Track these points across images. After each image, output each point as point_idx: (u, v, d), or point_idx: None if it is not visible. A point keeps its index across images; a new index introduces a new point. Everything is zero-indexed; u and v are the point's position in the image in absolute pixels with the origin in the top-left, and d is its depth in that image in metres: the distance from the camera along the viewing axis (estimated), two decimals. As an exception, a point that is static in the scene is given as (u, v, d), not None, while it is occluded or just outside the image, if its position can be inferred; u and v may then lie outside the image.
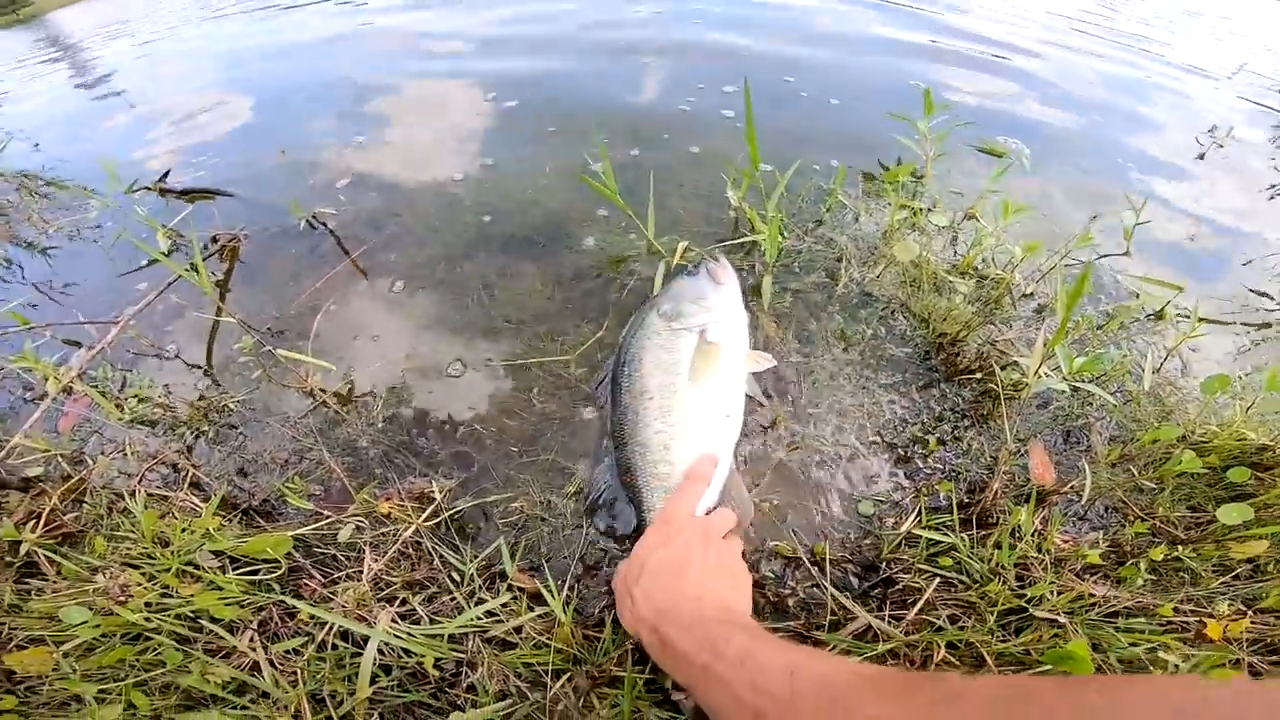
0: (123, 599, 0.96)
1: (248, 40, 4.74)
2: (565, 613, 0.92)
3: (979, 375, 1.30)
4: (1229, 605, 0.95)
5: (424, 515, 1.08)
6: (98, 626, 0.92)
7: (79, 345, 1.52)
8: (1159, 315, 1.54)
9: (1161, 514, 1.10)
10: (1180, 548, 1.04)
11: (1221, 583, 0.99)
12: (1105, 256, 1.73)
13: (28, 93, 4.90)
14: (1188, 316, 1.46)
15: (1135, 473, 1.15)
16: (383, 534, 1.07)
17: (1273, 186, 2.38)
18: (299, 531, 1.08)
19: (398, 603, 0.98)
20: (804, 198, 1.77)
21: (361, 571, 1.01)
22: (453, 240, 1.67)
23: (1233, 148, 2.66)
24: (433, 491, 1.13)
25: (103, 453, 1.29)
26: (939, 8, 4.27)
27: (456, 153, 2.09)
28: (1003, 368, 1.28)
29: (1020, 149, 2.23)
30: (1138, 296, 1.58)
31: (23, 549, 1.07)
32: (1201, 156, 2.56)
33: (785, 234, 1.60)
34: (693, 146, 2.01)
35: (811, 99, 2.46)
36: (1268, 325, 1.60)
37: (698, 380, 1.13)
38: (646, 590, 0.84)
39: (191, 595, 0.96)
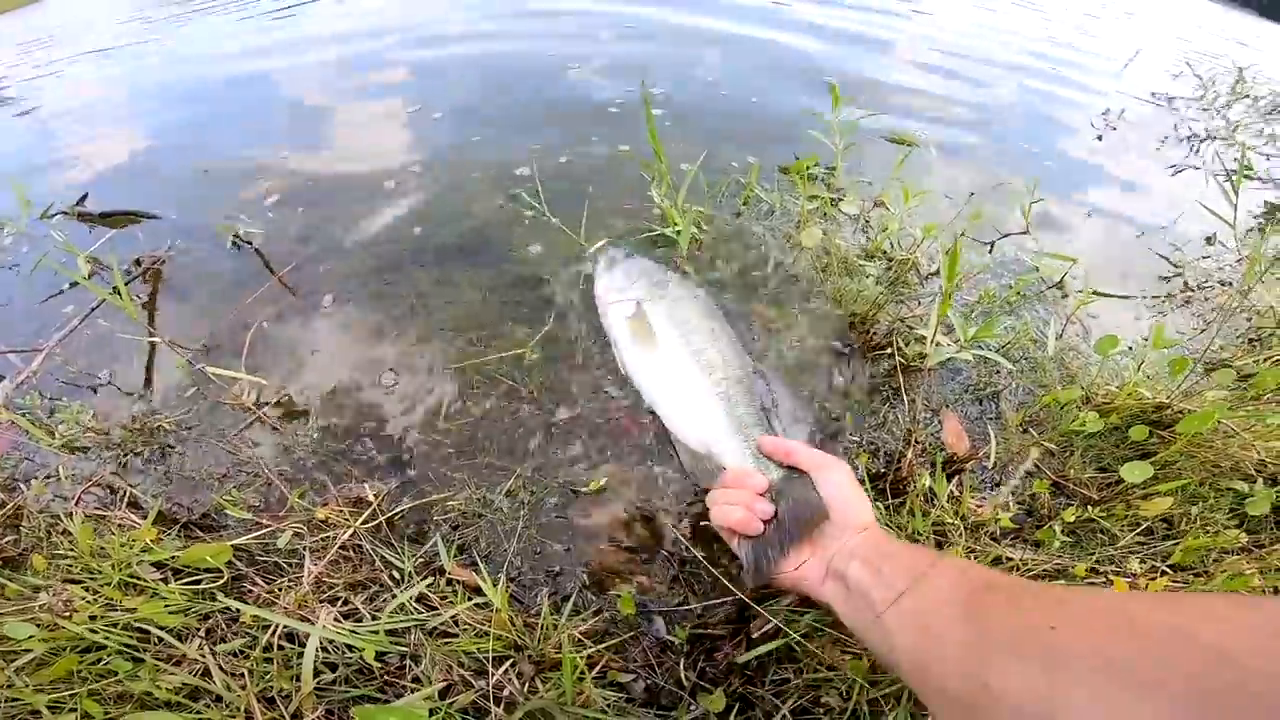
0: (67, 613, 0.98)
1: (169, 55, 4.67)
2: (503, 601, 0.97)
3: (889, 350, 1.40)
4: (1141, 564, 1.04)
5: (361, 519, 1.13)
6: (44, 641, 0.94)
7: (2, 377, 1.51)
8: (1059, 286, 1.69)
9: (1073, 475, 1.20)
10: (1092, 508, 1.13)
11: (1136, 541, 1.08)
12: (1007, 235, 1.88)
13: None
14: (1082, 290, 1.60)
15: (1036, 435, 1.26)
16: (322, 539, 1.11)
17: (1163, 165, 2.63)
18: (239, 541, 1.11)
19: (340, 603, 1.02)
20: (723, 193, 1.85)
21: (302, 576, 1.05)
22: (383, 253, 1.71)
23: (1125, 130, 2.92)
24: (368, 496, 1.17)
25: (35, 478, 1.30)
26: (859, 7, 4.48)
27: (385, 163, 2.11)
28: (907, 343, 1.38)
29: (929, 138, 2.38)
30: (1037, 269, 1.72)
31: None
32: (1100, 138, 2.80)
33: (704, 227, 1.68)
34: (621, 145, 2.09)
35: (731, 96, 2.60)
36: (1158, 296, 1.77)
37: (651, 347, 1.21)
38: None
39: (135, 607, 0.99)
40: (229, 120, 2.78)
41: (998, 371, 1.40)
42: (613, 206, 1.79)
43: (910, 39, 3.88)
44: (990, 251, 1.81)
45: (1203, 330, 1.65)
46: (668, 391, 1.19)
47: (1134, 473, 1.07)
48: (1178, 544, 1.06)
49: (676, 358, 1.20)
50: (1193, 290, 1.81)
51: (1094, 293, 1.60)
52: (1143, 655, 0.44)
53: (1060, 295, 1.69)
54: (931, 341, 1.20)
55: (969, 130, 2.61)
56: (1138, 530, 1.10)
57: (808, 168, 1.85)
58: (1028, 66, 3.74)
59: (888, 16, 4.17)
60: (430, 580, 1.05)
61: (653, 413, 1.22)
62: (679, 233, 1.52)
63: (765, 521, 0.91)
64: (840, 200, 1.86)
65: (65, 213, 2.09)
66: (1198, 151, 2.82)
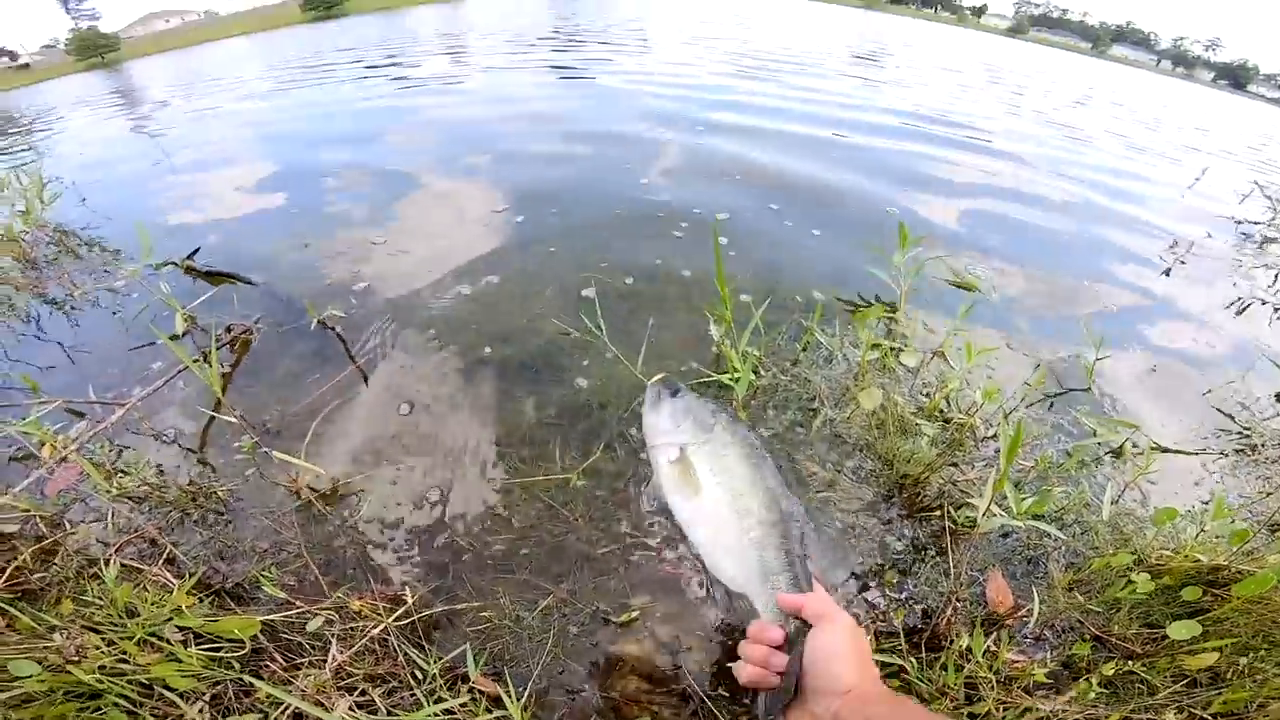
0: (77, 659, 0.97)
1: (298, 114, 5.35)
2: (523, 717, 0.93)
3: (939, 513, 1.38)
4: (1178, 714, 0.99)
5: (394, 615, 1.11)
6: (43, 681, 0.92)
7: (82, 416, 1.58)
8: (1118, 452, 1.65)
9: (1117, 631, 1.17)
10: (1133, 662, 1.10)
11: (1172, 693, 1.03)
12: (1068, 392, 1.85)
13: (89, 141, 5.29)
14: (1143, 451, 1.58)
15: (1082, 599, 1.23)
16: (351, 629, 1.09)
17: (1236, 302, 2.58)
18: (269, 617, 1.10)
19: (357, 693, 0.99)
20: (783, 335, 1.89)
21: (325, 660, 1.02)
22: (454, 361, 1.78)
23: (1194, 263, 2.90)
24: (405, 595, 1.16)
25: (84, 520, 1.32)
26: (922, 118, 4.74)
27: (466, 267, 2.26)
28: (957, 508, 1.37)
29: (990, 280, 2.41)
30: (1096, 434, 1.66)
31: (-22, 601, 1.08)
32: (1167, 273, 2.77)
33: (762, 372, 1.71)
34: (684, 270, 2.20)
35: (796, 228, 2.70)
36: (1224, 454, 1.71)
37: (691, 492, 1.19)
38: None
39: (149, 664, 0.97)
40: (339, 196, 3.06)
41: (1047, 535, 1.36)
42: (675, 338, 1.88)
43: (972, 168, 4.03)
44: (1050, 407, 1.79)
45: (1269, 494, 1.59)
46: (705, 535, 1.18)
47: (1180, 630, 1.05)
48: (1219, 694, 1.02)
49: (714, 504, 1.19)
50: (1259, 451, 1.75)
51: (1154, 447, 1.59)
52: None
53: (1118, 459, 1.65)
54: (984, 514, 1.18)
55: (1034, 266, 2.63)
56: (1181, 682, 1.06)
57: (874, 319, 1.84)
58: (1093, 203, 3.80)
59: (949, 148, 4.36)
60: (452, 684, 1.01)
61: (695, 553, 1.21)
62: (737, 380, 1.54)
63: (780, 674, 0.91)
64: (901, 351, 1.85)
65: (175, 264, 2.26)
66: (1272, 287, 2.79)
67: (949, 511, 1.37)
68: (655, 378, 1.57)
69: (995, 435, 1.63)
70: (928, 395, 1.75)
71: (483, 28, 13.57)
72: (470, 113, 4.77)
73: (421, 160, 3.53)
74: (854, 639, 0.90)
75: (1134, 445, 1.67)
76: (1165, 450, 1.68)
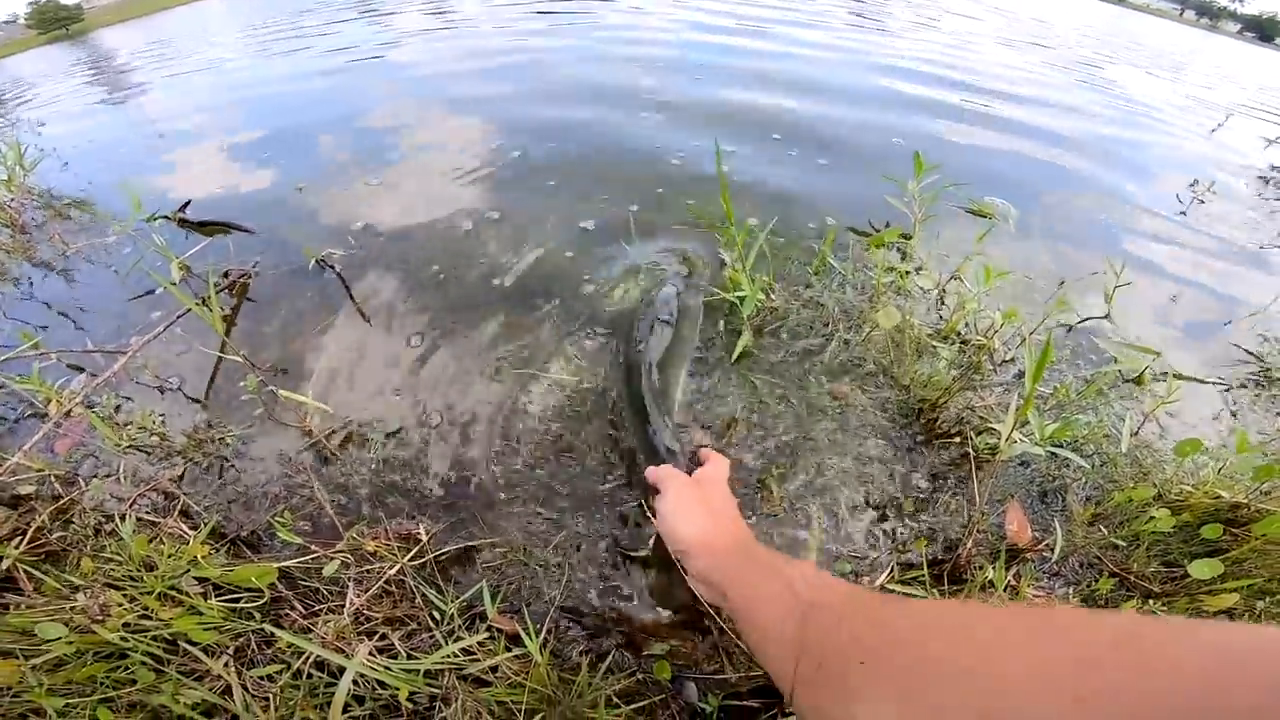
0: (101, 618, 0.97)
1: (278, 68, 5.21)
2: (542, 654, 0.93)
3: (958, 439, 1.35)
4: None
5: (409, 555, 1.10)
6: (71, 643, 0.93)
7: (83, 370, 1.56)
8: (1138, 380, 1.60)
9: (1136, 569, 1.14)
10: (1153, 601, 1.08)
11: None
12: (1087, 320, 1.79)
13: (64, 111, 5.22)
14: (1164, 379, 1.53)
15: (1106, 531, 1.20)
16: (367, 571, 1.09)
17: (1257, 240, 2.51)
18: (285, 564, 1.10)
19: (376, 637, 0.99)
20: (794, 260, 1.83)
21: (344, 605, 1.02)
22: (458, 293, 1.74)
23: (1213, 203, 2.81)
24: (419, 533, 1.15)
25: (96, 476, 1.31)
26: (939, 62, 4.53)
27: (465, 201, 2.20)
28: (978, 433, 1.33)
29: (1007, 209, 2.33)
30: (1117, 361, 1.63)
31: (3, 564, 1.08)
32: (1184, 213, 2.68)
33: (772, 294, 1.65)
34: (688, 200, 2.12)
35: (804, 156, 2.62)
36: (1243, 386, 1.67)
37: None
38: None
39: (170, 618, 0.97)
40: (328, 140, 2.98)
41: (1067, 465, 1.33)
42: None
43: (982, 107, 3.89)
44: (1068, 333, 1.74)
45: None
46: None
47: (1203, 569, 1.02)
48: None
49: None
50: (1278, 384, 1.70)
51: (1176, 376, 1.52)
52: (932, 695, 0.48)
53: (1136, 387, 1.60)
54: (1006, 439, 1.15)
55: (1049, 198, 2.56)
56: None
57: (888, 242, 1.81)
58: (1113, 135, 3.71)
59: (970, 92, 4.16)
60: (471, 623, 1.01)
61: None
62: (743, 299, 1.49)
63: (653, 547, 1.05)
64: (918, 273, 1.80)
65: (168, 217, 2.23)
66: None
67: (970, 438, 1.32)
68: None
69: (1014, 359, 1.57)
70: (944, 318, 1.68)
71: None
72: (458, 58, 4.56)
73: (411, 106, 3.38)
74: (689, 497, 0.96)
75: (1154, 373, 1.61)
76: (1185, 379, 1.61)
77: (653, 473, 1.05)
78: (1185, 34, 28.00)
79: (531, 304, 1.67)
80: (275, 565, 1.07)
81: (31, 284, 2.04)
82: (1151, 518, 1.14)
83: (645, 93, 3.34)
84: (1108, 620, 0.46)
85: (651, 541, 1.01)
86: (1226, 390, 1.65)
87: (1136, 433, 1.43)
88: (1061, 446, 1.16)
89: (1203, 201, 2.83)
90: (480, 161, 2.52)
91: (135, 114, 4.50)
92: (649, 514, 1.05)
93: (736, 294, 1.50)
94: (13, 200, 2.60)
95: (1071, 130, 3.61)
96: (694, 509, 0.94)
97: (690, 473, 1.04)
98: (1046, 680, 0.41)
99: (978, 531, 1.16)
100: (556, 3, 6.87)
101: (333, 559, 1.10)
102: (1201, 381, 1.65)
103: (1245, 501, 1.16)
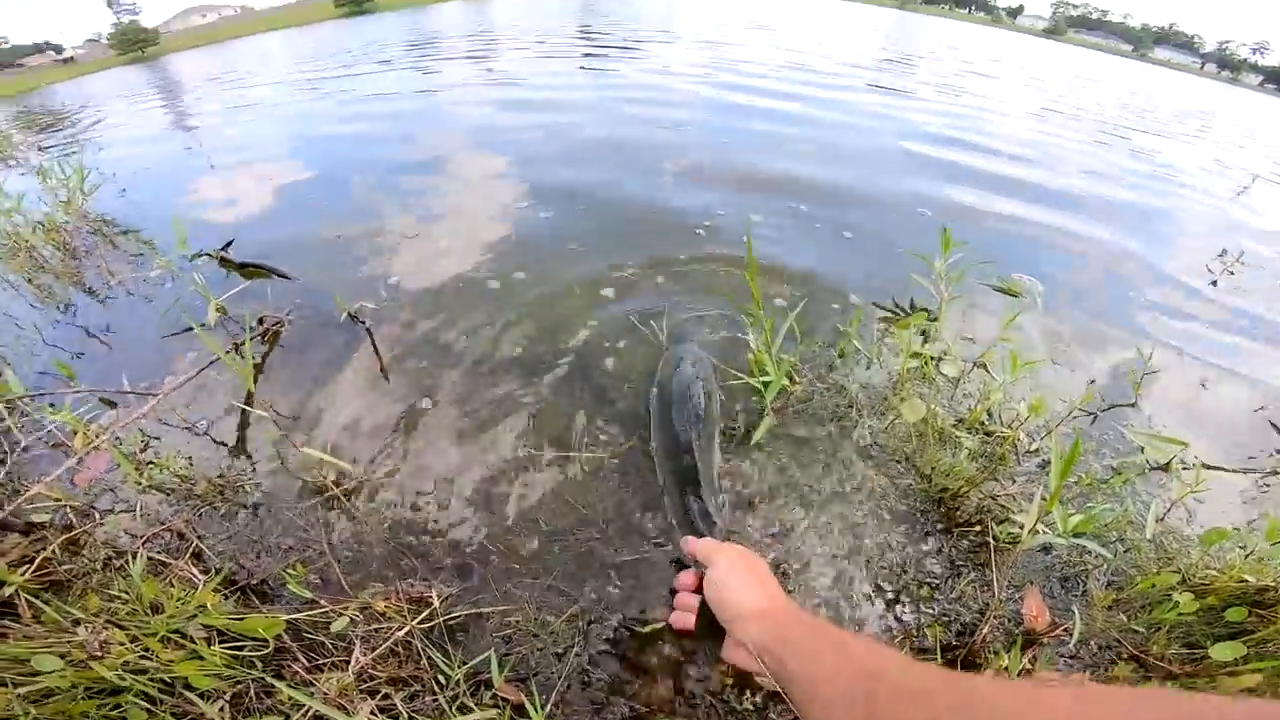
0: (100, 654, 0.96)
1: (326, 107, 5.52)
2: (548, 728, 0.90)
3: (978, 528, 1.33)
4: None
5: (419, 618, 1.09)
6: (65, 676, 0.91)
7: (115, 405, 1.58)
8: (1164, 467, 1.57)
9: (1155, 651, 1.12)
10: (1172, 682, 1.06)
11: None
12: (1113, 407, 1.77)
13: (129, 135, 5.49)
14: (1191, 468, 1.51)
15: (1126, 618, 1.17)
16: (375, 629, 1.07)
17: None
18: (293, 616, 1.08)
19: (379, 697, 0.97)
20: (819, 340, 1.84)
21: (349, 662, 1.00)
22: (481, 356, 1.77)
23: (1243, 274, 2.78)
24: (431, 596, 1.14)
25: (113, 511, 1.32)
26: (967, 129, 4.64)
27: (495, 260, 2.27)
28: (999, 523, 1.31)
29: (1034, 286, 2.32)
30: (1143, 451, 1.60)
31: (6, 591, 1.08)
32: (1214, 283, 2.66)
33: (796, 378, 1.66)
34: (711, 266, 2.19)
35: (830, 229, 2.66)
36: (1276, 473, 1.63)
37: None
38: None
39: (171, 661, 0.95)
40: (372, 187, 3.10)
41: (1089, 552, 1.30)
42: (709, 340, 1.84)
43: (1006, 173, 3.94)
44: (1094, 421, 1.72)
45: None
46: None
47: (1224, 652, 1.00)
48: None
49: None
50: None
51: (1204, 466, 1.52)
52: None
53: (1165, 475, 1.57)
54: (1029, 531, 1.14)
55: (1077, 272, 2.56)
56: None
57: (914, 327, 1.80)
58: (1140, 203, 3.73)
59: (993, 157, 4.24)
60: (475, 690, 0.99)
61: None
62: (767, 384, 1.49)
63: (697, 616, 0.98)
64: (942, 360, 1.79)
65: (210, 254, 2.29)
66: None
67: (990, 527, 1.32)
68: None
69: (1038, 449, 1.56)
70: (969, 406, 1.68)
71: (508, 25, 13.69)
72: (495, 110, 4.81)
73: (452, 155, 3.55)
74: (742, 567, 0.96)
75: (1181, 462, 1.59)
76: (1213, 469, 1.60)
77: (696, 545, 1.04)
78: (1207, 89, 28.48)
79: (552, 372, 1.70)
80: (283, 617, 1.06)
81: (75, 311, 2.12)
82: (1175, 602, 1.12)
83: (671, 156, 3.48)
84: (1160, 696, 0.48)
85: (696, 611, 0.99)
86: (1261, 479, 1.62)
87: (1162, 519, 1.41)
88: (1084, 538, 1.15)
89: (1232, 273, 2.81)
90: (510, 219, 2.62)
91: (191, 142, 4.79)
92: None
93: (761, 379, 1.51)
94: (68, 223, 2.70)
95: (1098, 198, 3.66)
96: (749, 578, 0.94)
97: None
98: None
99: (995, 617, 1.14)
100: (592, 61, 7.25)
101: (341, 615, 1.08)
102: (1230, 471, 1.63)
103: (1274, 585, 1.14)
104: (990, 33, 38.15)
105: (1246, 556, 1.21)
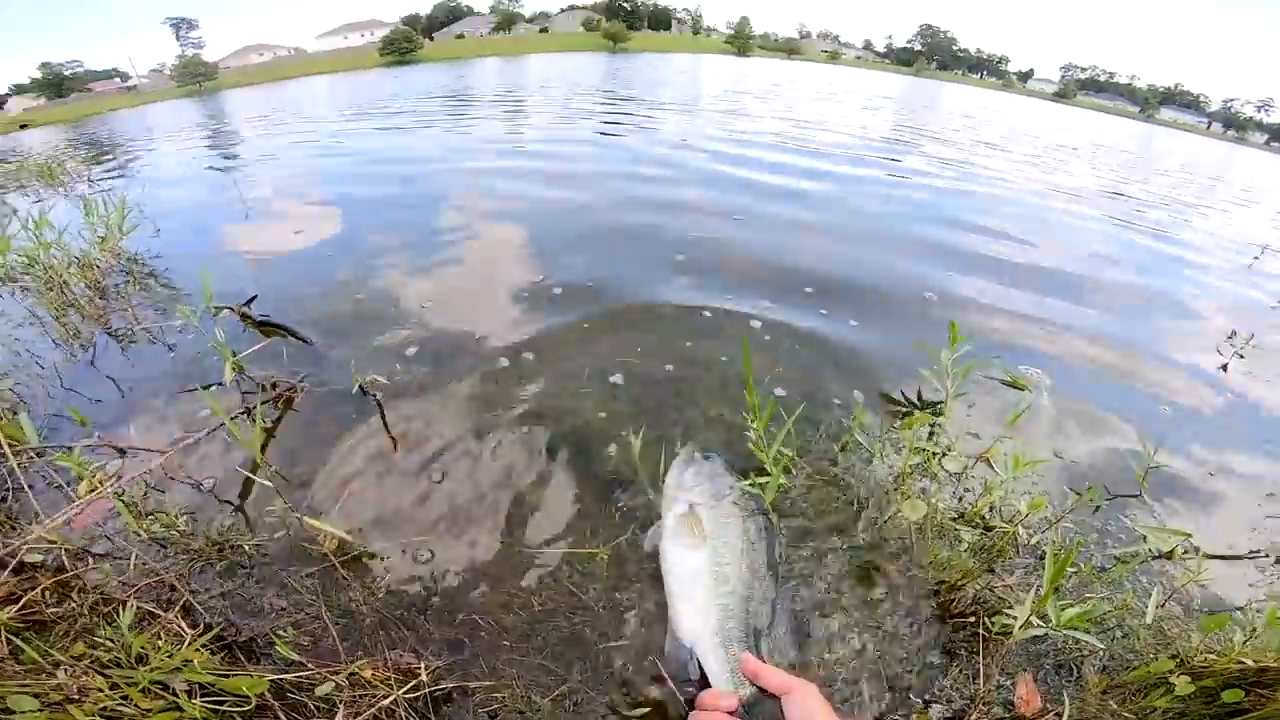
0: (79, 699, 0.94)
1: (361, 157, 5.85)
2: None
3: (972, 619, 1.32)
4: None
5: (405, 688, 1.07)
6: (38, 717, 0.90)
7: (123, 453, 1.60)
8: (1167, 556, 1.55)
9: None
10: None
11: None
12: (1117, 498, 1.75)
13: (173, 170, 5.93)
14: (1194, 553, 1.52)
15: (1120, 703, 1.17)
16: (360, 696, 1.06)
17: None
18: (279, 676, 1.07)
19: (360, 764, 0.94)
20: (822, 434, 1.83)
21: (330, 727, 0.99)
22: (490, 436, 1.78)
23: (1253, 357, 2.73)
24: (419, 668, 1.12)
25: (109, 557, 1.32)
26: (968, 205, 4.72)
27: (508, 335, 2.32)
28: (991, 615, 1.30)
29: (1040, 380, 2.30)
30: (1145, 540, 1.57)
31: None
32: (1224, 368, 2.61)
33: (795, 471, 1.66)
34: (722, 356, 2.19)
35: (835, 314, 2.65)
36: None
37: (684, 545, 1.28)
38: None
39: (149, 711, 0.94)
40: (398, 248, 3.21)
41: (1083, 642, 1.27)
42: (710, 434, 1.84)
43: (1009, 251, 3.95)
44: (1095, 512, 1.70)
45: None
46: (679, 586, 1.23)
47: None
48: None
49: (698, 561, 1.26)
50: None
51: (1206, 556, 1.51)
52: None
53: (1169, 563, 1.56)
54: (1021, 625, 1.13)
55: (1084, 360, 2.55)
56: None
57: (919, 424, 1.79)
58: (1149, 285, 3.69)
59: (997, 238, 4.25)
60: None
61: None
62: (765, 484, 1.46)
63: None
64: (945, 455, 1.79)
65: (232, 309, 2.34)
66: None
67: (982, 619, 1.31)
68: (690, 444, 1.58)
69: (1038, 543, 1.56)
70: (970, 501, 1.68)
71: (538, 82, 14.36)
72: (518, 179, 4.98)
73: (479, 221, 3.70)
74: (827, 708, 0.91)
75: (1184, 550, 1.59)
76: (1215, 557, 1.59)
77: (772, 672, 0.99)
78: (1213, 149, 28.64)
79: (557, 458, 1.71)
80: (269, 677, 1.05)
81: (96, 353, 2.17)
82: (1170, 686, 1.11)
83: (685, 238, 3.56)
84: None
85: None
86: (1269, 563, 1.60)
87: (1162, 605, 1.39)
88: (1078, 630, 1.14)
89: (1242, 356, 2.78)
90: (524, 294, 2.70)
91: (229, 183, 4.99)
92: None
93: (760, 480, 1.50)
94: (101, 261, 2.78)
95: (1106, 282, 3.65)
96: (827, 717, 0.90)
97: (750, 710, 1.01)
98: None
99: (983, 704, 1.14)
100: (612, 127, 7.53)
101: (328, 679, 1.07)
102: (1230, 558, 1.61)
103: (1274, 665, 1.12)
104: (1002, 98, 39.32)
105: (1246, 641, 1.19)
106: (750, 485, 1.46)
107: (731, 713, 0.98)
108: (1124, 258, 4.26)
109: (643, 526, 1.48)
